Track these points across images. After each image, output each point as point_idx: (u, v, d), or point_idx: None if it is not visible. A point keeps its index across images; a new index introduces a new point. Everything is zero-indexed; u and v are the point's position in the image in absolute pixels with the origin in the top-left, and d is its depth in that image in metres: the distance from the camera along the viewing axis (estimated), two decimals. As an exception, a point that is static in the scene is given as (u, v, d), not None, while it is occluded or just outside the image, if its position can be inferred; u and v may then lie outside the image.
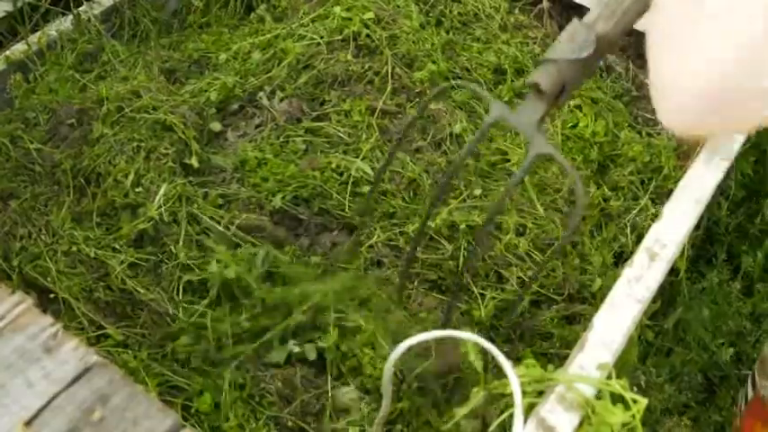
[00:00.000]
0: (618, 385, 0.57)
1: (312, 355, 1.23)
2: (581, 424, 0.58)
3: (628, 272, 0.63)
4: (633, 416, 0.58)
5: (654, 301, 1.60)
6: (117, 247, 1.35)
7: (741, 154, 1.89)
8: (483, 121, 1.52)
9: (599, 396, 0.58)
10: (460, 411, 0.70)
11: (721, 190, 1.91)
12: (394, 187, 1.46)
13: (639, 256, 0.65)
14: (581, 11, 1.82)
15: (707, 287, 1.78)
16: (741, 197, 1.97)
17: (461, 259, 1.36)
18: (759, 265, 1.83)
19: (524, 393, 0.59)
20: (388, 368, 0.81)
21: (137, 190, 1.38)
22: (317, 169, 1.45)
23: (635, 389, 1.74)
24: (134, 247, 1.35)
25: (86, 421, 0.75)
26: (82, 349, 0.79)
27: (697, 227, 1.89)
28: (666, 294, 1.74)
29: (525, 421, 0.59)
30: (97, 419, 0.75)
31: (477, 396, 0.66)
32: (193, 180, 1.45)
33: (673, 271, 1.79)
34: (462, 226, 1.39)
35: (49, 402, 0.76)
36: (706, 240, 1.95)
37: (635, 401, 0.58)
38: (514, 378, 0.60)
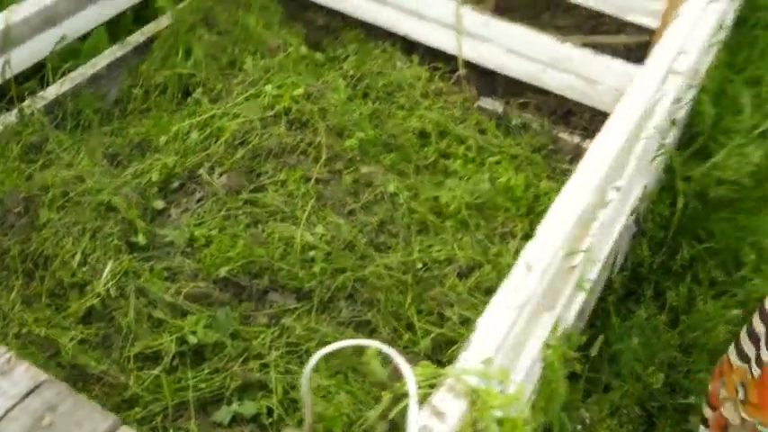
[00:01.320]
0: (497, 372, 0.65)
1: (251, 412, 1.29)
2: (468, 409, 0.66)
3: (506, 283, 0.71)
4: (514, 398, 0.66)
5: (588, 340, 1.71)
6: (66, 324, 1.41)
7: (658, 196, 2.03)
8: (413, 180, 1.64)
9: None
10: (372, 414, 0.77)
11: (642, 231, 2.04)
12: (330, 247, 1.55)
13: (517, 270, 0.74)
14: (494, 77, 1.98)
15: (636, 321, 1.88)
16: (661, 237, 2.09)
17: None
18: (683, 297, 1.95)
19: (420, 388, 0.67)
20: (306, 377, 0.87)
21: (83, 269, 1.45)
22: (262, 244, 1.54)
23: (579, 427, 1.83)
24: (83, 323, 1.41)
25: (38, 426, 0.87)
26: (33, 370, 0.91)
27: (622, 269, 2.01)
28: (598, 332, 1.84)
29: (420, 409, 0.66)
30: (47, 424, 0.87)
31: (386, 398, 0.73)
32: (139, 256, 1.52)
33: (603, 310, 1.90)
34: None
35: (5, 414, 0.88)
36: (633, 280, 2.06)
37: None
38: (410, 374, 0.69)
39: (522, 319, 0.74)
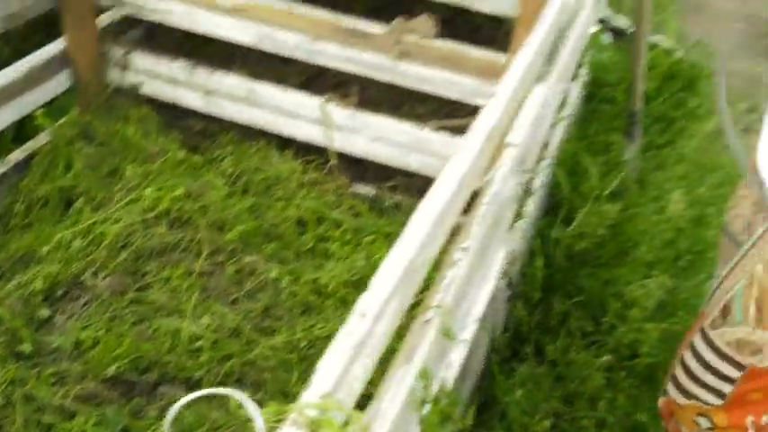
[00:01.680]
0: (334, 403, 0.74)
1: None
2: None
3: (344, 328, 0.81)
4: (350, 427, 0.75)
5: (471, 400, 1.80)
6: (-49, 440, 1.40)
7: (529, 260, 2.19)
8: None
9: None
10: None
11: (517, 294, 2.18)
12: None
13: (353, 318, 0.83)
14: (364, 163, 2.13)
15: (519, 377, 2.00)
16: (536, 297, 2.25)
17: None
18: (559, 350, 2.09)
19: (270, 424, 0.75)
20: (167, 425, 0.92)
21: (-32, 382, 1.46)
22: (148, 340, 1.59)
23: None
24: (-31, 436, 1.41)
25: None
26: None
27: (505, 329, 2.14)
28: (483, 394, 1.94)
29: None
30: None
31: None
32: (26, 364, 1.54)
33: (489, 370, 2.01)
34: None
35: None
36: (515, 340, 2.19)
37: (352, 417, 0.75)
38: (257, 413, 0.78)
39: (362, 361, 0.83)
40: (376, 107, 2.10)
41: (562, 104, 2.38)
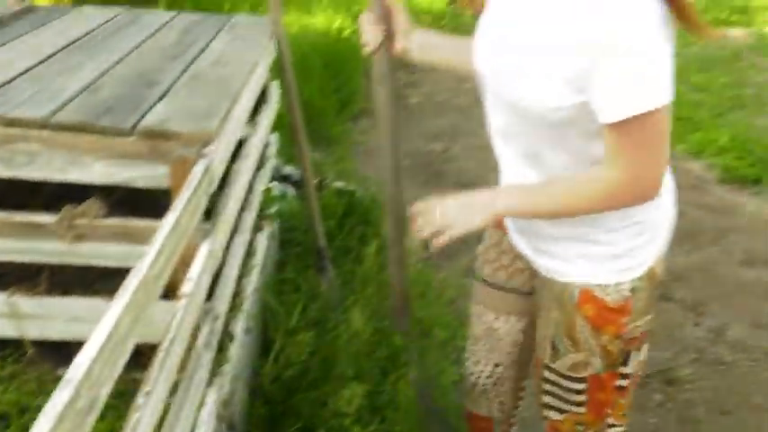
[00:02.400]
0: None
1: None
2: None
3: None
4: None
5: None
6: None
7: (250, 401, 2.34)
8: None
9: None
10: None
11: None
12: None
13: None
14: (67, 345, 2.18)
15: None
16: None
17: None
18: None
19: None
20: None
21: None
22: None
23: None
24: None
25: None
26: None
27: None
28: None
29: None
30: None
31: None
32: None
33: None
34: None
35: None
36: None
37: None
38: None
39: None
40: (68, 289, 2.18)
41: (249, 254, 2.63)
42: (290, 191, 3.58)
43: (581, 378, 1.63)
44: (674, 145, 5.05)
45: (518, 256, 1.74)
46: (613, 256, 1.50)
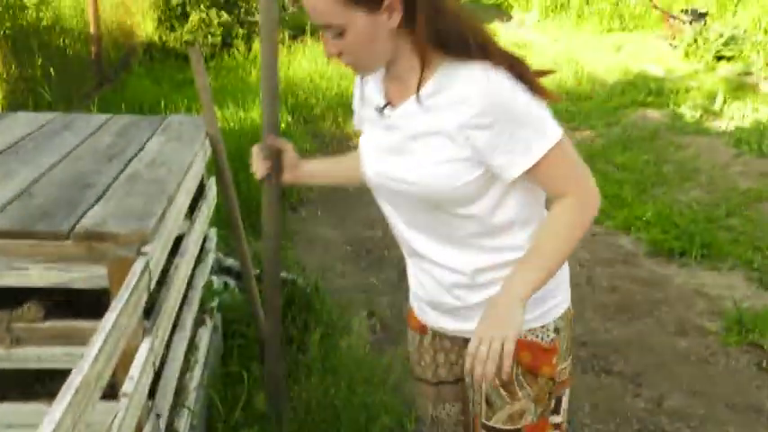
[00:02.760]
0: None
1: None
2: None
3: None
4: None
5: None
6: None
7: None
8: None
9: None
10: None
11: None
12: None
13: None
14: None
15: None
16: None
17: None
18: None
19: None
20: None
21: None
22: None
23: None
24: None
25: None
26: None
27: None
28: None
29: None
30: None
31: None
32: None
33: None
34: None
35: None
36: None
37: None
38: None
39: None
40: (5, 393, 2.14)
41: (192, 349, 2.63)
42: (232, 283, 3.59)
43: (517, 429, 1.70)
44: (603, 221, 5.26)
45: (438, 351, 1.84)
46: (537, 300, 1.56)
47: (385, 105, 1.58)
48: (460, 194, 1.51)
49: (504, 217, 1.57)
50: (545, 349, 1.64)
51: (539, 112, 1.47)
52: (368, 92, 1.65)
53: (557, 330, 1.66)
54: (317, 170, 2.03)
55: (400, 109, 1.54)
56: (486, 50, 1.44)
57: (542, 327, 1.64)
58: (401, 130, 1.54)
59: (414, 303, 1.84)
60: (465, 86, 1.43)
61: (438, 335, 1.82)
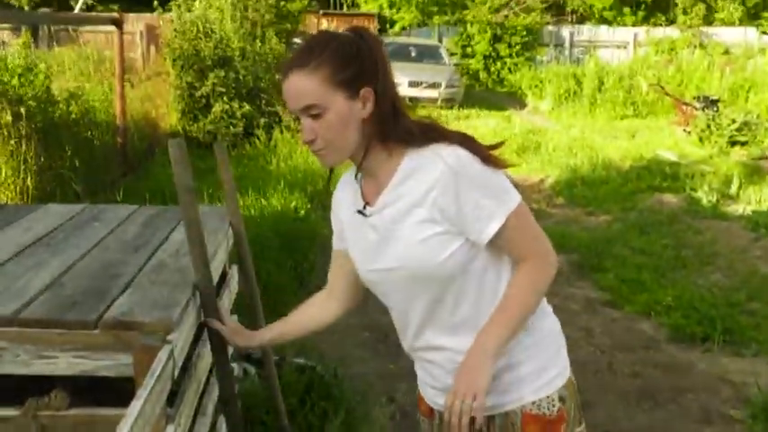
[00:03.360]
0: None
1: None
2: None
3: None
4: None
5: None
6: None
7: None
8: None
9: None
10: None
11: None
12: None
13: None
14: None
15: None
16: None
17: None
18: None
19: None
20: None
21: None
22: None
23: None
24: None
25: None
26: None
27: None
28: None
29: None
30: None
31: None
32: None
33: None
34: None
35: None
36: None
37: None
38: None
39: None
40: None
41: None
42: (252, 369, 3.60)
43: None
44: (623, 306, 5.24)
45: None
46: (539, 370, 1.70)
47: (365, 205, 1.73)
48: (449, 268, 1.63)
49: (492, 295, 1.68)
50: (551, 421, 1.69)
51: (497, 179, 1.61)
52: (346, 201, 1.82)
53: (562, 399, 1.71)
54: (277, 334, 2.12)
55: (378, 202, 1.69)
56: (440, 134, 1.62)
57: (547, 397, 1.70)
58: (383, 221, 1.68)
59: (424, 390, 1.90)
60: (429, 166, 1.59)
61: None
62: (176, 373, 1.98)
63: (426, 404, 1.90)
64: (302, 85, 1.57)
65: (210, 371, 2.62)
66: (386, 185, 1.67)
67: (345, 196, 1.83)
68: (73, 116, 7.25)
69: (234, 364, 3.28)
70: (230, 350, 3.11)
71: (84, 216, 3.01)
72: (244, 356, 3.69)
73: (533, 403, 1.69)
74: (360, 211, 1.74)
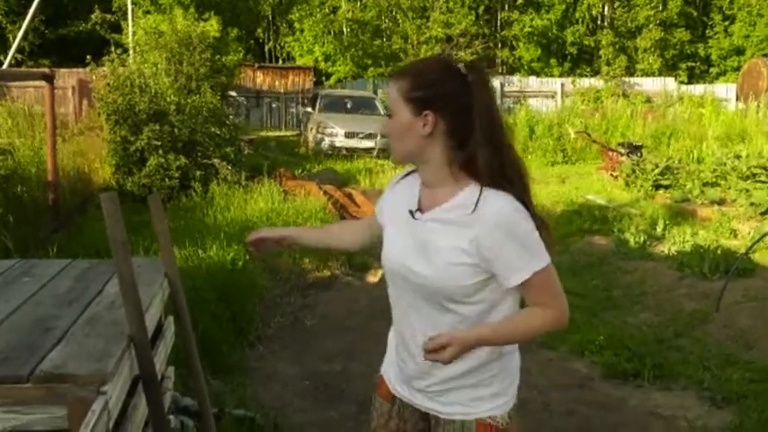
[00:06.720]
0: None
1: None
2: None
3: None
4: None
5: None
6: None
7: None
8: None
9: None
10: None
11: None
12: None
13: None
14: None
15: None
16: None
17: None
18: None
19: None
20: None
21: None
22: None
23: None
24: None
25: None
26: None
27: None
28: None
29: None
30: None
31: None
32: None
33: None
34: None
35: None
36: None
37: None
38: None
39: None
40: None
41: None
42: (190, 422, 3.56)
43: None
44: (557, 346, 5.37)
45: (405, 420, 2.09)
46: (493, 395, 1.99)
47: (417, 209, 1.94)
48: (463, 292, 1.86)
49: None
50: (501, 429, 1.98)
51: (535, 240, 1.84)
52: (403, 194, 2.02)
53: (510, 417, 2.01)
54: (316, 237, 2.41)
55: (428, 214, 1.91)
56: (513, 185, 1.85)
57: (500, 415, 1.99)
58: (425, 230, 1.90)
59: (388, 375, 2.12)
60: (486, 208, 1.81)
61: (405, 406, 2.08)
62: (111, 425, 1.97)
63: (387, 388, 2.11)
64: (390, 90, 1.88)
65: (146, 423, 2.59)
66: (441, 203, 1.89)
67: (405, 189, 2.03)
68: (2, 172, 7.11)
69: (170, 417, 3.24)
70: (167, 402, 3.09)
71: (14, 271, 2.98)
72: (181, 409, 3.65)
73: (489, 416, 1.97)
74: (410, 212, 1.95)
